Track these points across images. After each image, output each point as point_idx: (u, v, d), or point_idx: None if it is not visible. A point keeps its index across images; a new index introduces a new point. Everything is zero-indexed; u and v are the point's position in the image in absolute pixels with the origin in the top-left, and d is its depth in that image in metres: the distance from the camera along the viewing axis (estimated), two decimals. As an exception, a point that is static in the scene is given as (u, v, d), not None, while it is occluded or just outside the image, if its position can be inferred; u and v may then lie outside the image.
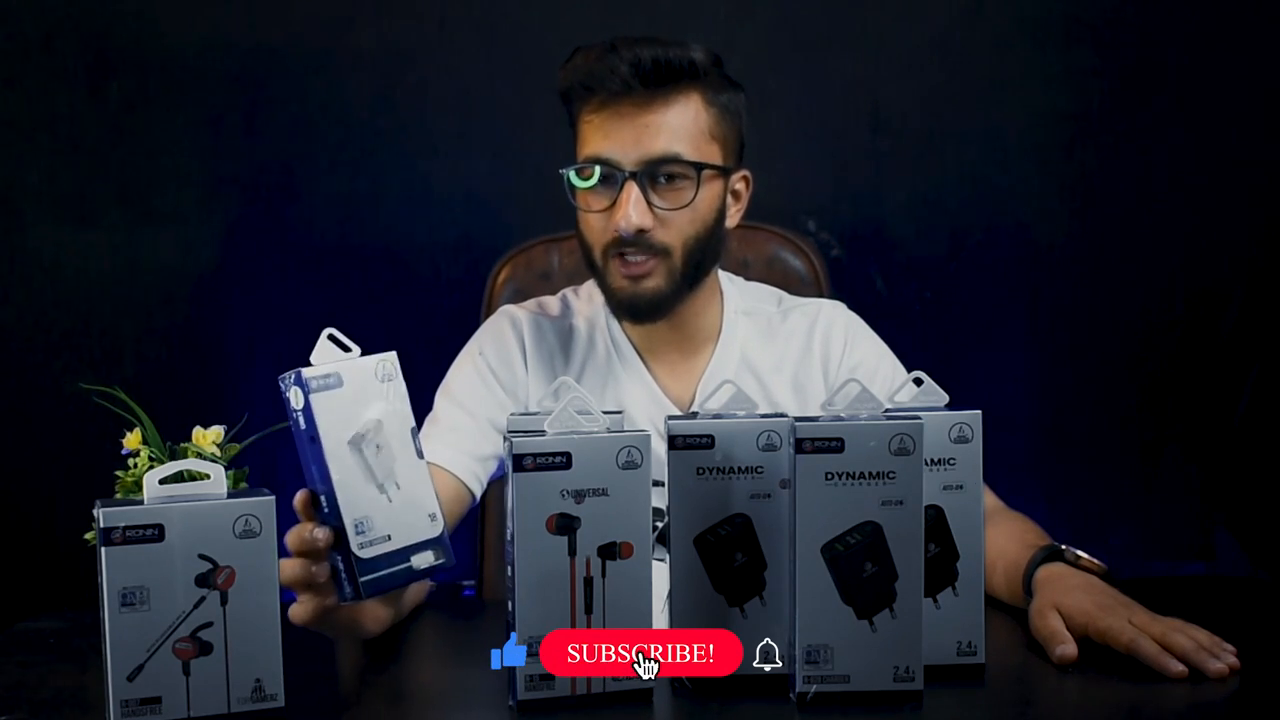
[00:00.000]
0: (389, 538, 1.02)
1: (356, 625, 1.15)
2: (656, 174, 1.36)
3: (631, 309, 1.41)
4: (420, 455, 1.05)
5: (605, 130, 1.37)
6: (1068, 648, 1.11)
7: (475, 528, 1.72)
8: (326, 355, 1.04)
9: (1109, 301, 2.12)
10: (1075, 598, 1.15)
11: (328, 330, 1.06)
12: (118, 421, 1.36)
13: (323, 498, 1.02)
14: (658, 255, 1.38)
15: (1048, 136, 2.10)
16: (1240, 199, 2.12)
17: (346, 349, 1.05)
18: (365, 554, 1.01)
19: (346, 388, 1.03)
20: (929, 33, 2.09)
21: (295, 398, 1.01)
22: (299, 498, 1.02)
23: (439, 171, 2.06)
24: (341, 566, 1.02)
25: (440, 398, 1.50)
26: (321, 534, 1.01)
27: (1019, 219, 2.11)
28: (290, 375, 1.02)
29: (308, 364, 1.03)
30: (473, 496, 1.45)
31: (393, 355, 1.06)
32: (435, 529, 1.04)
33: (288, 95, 2.04)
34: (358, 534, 1.01)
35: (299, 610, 1.04)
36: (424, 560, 1.04)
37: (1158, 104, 2.10)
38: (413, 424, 1.06)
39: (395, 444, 1.04)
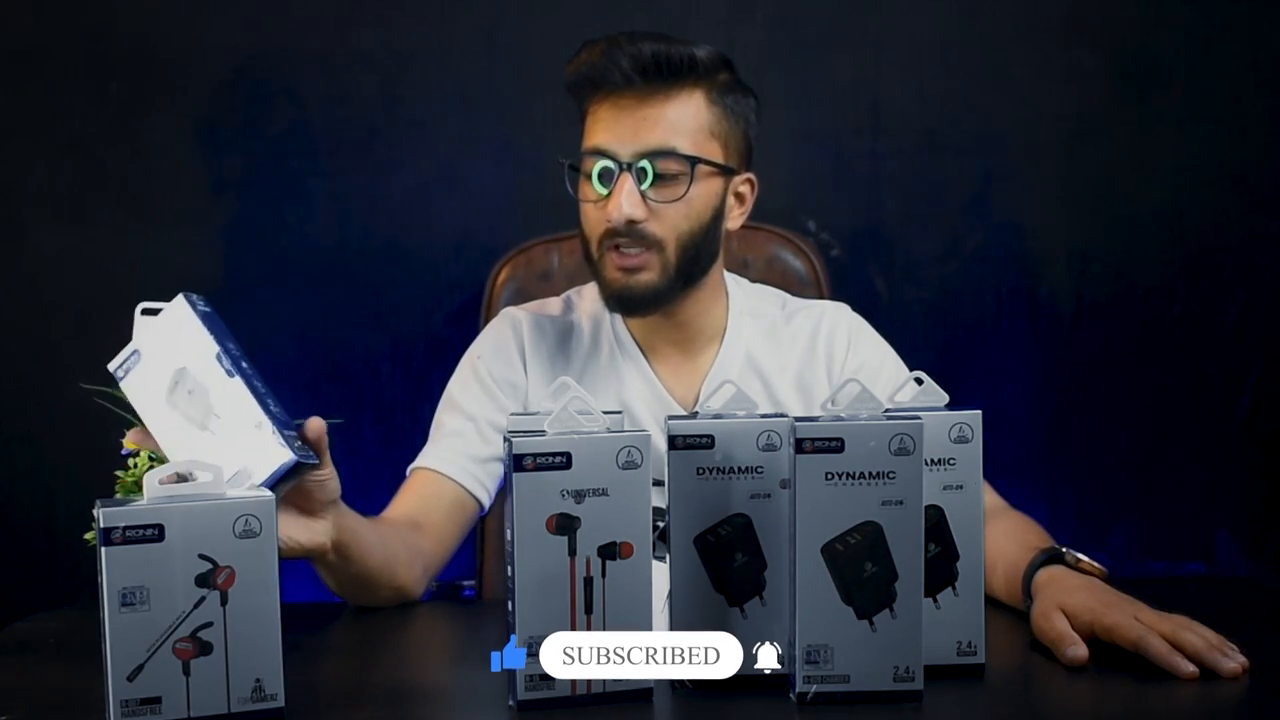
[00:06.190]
0: (250, 475, 1.03)
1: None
2: (651, 166, 1.37)
3: (624, 302, 1.41)
4: (230, 374, 1.06)
5: (606, 123, 1.38)
6: (1078, 649, 1.09)
7: (475, 528, 1.71)
8: (144, 332, 1.08)
9: (1109, 301, 2.12)
10: (1079, 597, 1.13)
11: (141, 305, 1.08)
12: (118, 421, 1.36)
13: None
14: (651, 248, 1.38)
15: (1048, 136, 2.10)
16: (1241, 198, 2.12)
17: (158, 311, 1.08)
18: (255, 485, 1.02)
19: (146, 358, 1.07)
20: (929, 33, 2.08)
21: None
22: None
23: (439, 171, 2.06)
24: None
25: (443, 406, 1.50)
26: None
27: (1019, 219, 2.11)
28: None
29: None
30: (478, 503, 1.45)
31: (179, 297, 1.08)
32: (263, 433, 1.05)
33: (287, 95, 2.04)
34: (229, 484, 1.01)
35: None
36: (286, 455, 1.04)
37: (1158, 104, 2.10)
38: (216, 349, 1.06)
39: (204, 377, 1.06)
